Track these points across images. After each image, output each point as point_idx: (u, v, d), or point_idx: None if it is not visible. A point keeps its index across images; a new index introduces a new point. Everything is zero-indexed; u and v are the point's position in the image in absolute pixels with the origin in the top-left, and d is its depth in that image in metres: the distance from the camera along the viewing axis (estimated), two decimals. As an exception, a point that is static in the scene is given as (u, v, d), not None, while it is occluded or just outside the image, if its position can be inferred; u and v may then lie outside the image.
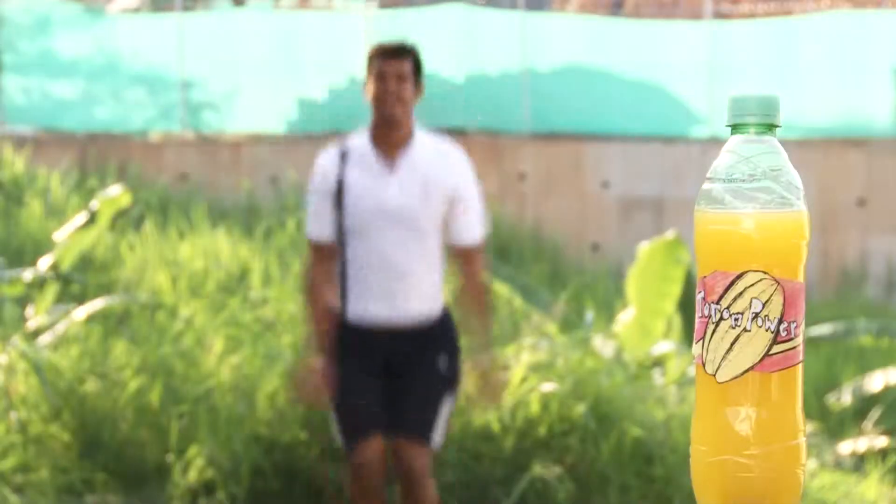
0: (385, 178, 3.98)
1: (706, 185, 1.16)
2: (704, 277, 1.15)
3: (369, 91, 3.98)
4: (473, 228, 4.06)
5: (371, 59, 3.99)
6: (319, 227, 4.05)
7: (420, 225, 4.00)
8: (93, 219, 6.22)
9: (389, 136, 3.98)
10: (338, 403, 4.06)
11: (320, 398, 4.05)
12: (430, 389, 4.05)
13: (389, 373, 4.05)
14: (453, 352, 4.10)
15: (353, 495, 4.07)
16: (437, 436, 4.05)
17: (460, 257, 4.08)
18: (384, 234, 3.99)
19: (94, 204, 6.28)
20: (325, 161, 4.06)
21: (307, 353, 4.14)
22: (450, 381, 4.07)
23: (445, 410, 4.06)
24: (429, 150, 4.02)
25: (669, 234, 6.57)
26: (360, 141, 4.04)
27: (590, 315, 6.80)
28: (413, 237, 3.99)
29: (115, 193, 6.31)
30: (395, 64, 3.94)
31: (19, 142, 11.37)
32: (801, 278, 1.14)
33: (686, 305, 6.56)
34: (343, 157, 4.02)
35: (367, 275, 4.01)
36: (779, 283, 1.12)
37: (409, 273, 4.00)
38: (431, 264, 4.05)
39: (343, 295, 4.05)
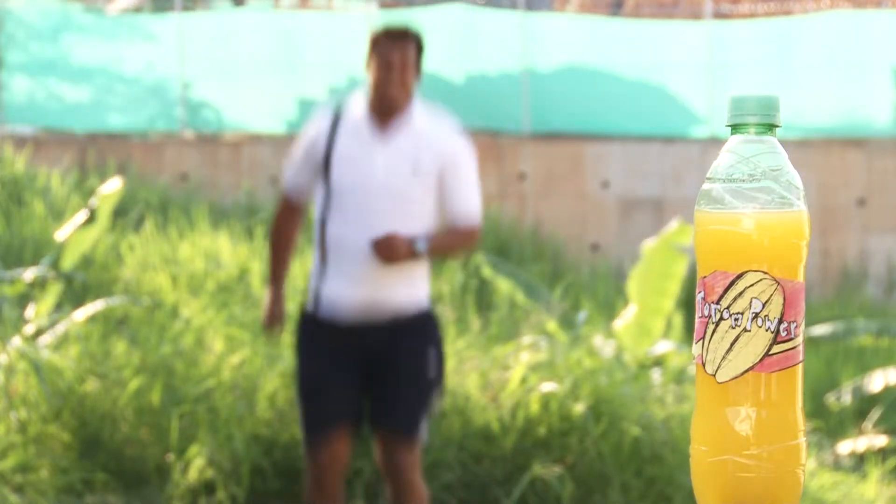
0: (375, 148, 3.93)
1: (706, 186, 1.16)
2: (704, 277, 1.15)
3: (371, 75, 3.94)
4: (468, 208, 3.96)
5: (375, 44, 3.94)
6: (295, 181, 4.08)
7: (408, 200, 3.92)
8: (93, 217, 6.20)
9: (387, 116, 3.95)
10: (304, 396, 4.01)
11: (276, 325, 4.19)
12: (420, 384, 3.97)
13: (369, 363, 3.96)
14: (440, 348, 4.04)
15: (312, 494, 4.02)
16: (424, 431, 4.01)
17: (455, 231, 3.98)
18: (369, 206, 3.91)
19: (94, 201, 6.27)
20: (319, 123, 4.03)
21: (268, 288, 4.25)
22: (438, 376, 4.02)
23: (433, 406, 4.03)
24: (423, 124, 3.97)
25: (673, 224, 6.55)
26: (355, 111, 3.99)
27: (582, 314, 6.80)
28: (400, 213, 3.91)
29: (114, 188, 6.28)
30: (400, 50, 3.91)
31: (19, 142, 11.37)
32: (801, 278, 1.14)
33: (688, 304, 6.56)
34: (335, 123, 3.99)
35: (348, 253, 3.91)
36: (779, 283, 1.12)
37: None
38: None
39: (320, 279, 3.98)
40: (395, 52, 3.90)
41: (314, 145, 4.00)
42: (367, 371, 3.97)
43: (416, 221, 3.92)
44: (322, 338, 3.99)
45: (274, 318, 4.18)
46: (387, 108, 3.93)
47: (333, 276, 3.95)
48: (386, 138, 3.93)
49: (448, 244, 3.99)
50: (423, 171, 3.92)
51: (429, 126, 3.97)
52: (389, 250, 3.82)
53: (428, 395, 4.00)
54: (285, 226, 4.16)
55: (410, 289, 3.96)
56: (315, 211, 4.06)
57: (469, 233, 3.98)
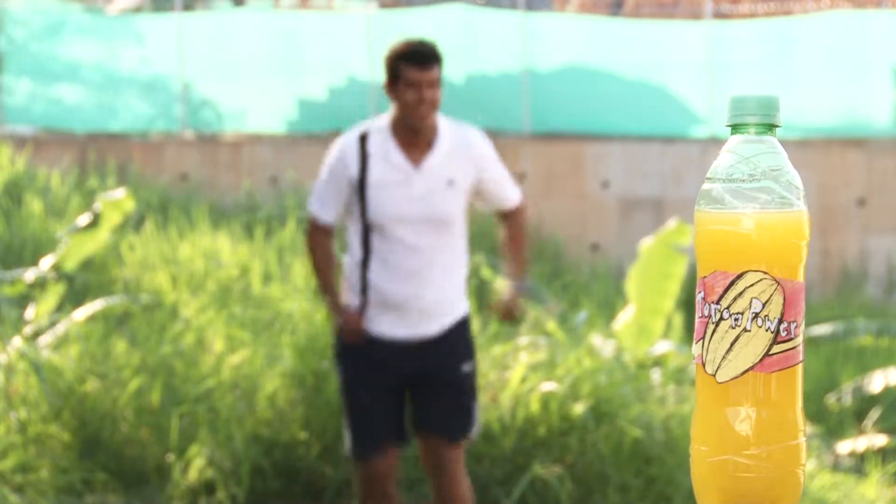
0: (410, 175, 3.90)
1: (706, 185, 1.16)
2: (704, 277, 1.15)
3: (398, 97, 3.86)
4: (509, 193, 4.13)
5: (398, 64, 3.84)
6: (324, 210, 4.01)
7: (445, 222, 3.95)
8: (96, 221, 6.21)
9: (416, 138, 3.91)
10: (352, 415, 4.04)
11: (360, 333, 3.98)
12: (462, 396, 4.06)
13: (412, 373, 4.01)
14: (474, 353, 4.13)
15: (365, 499, 4.07)
16: (474, 431, 4.12)
17: (503, 218, 4.18)
18: (408, 232, 3.92)
19: (97, 206, 6.27)
20: (347, 148, 3.94)
21: (326, 301, 4.10)
22: (474, 381, 4.11)
23: (476, 407, 4.11)
24: (451, 142, 3.95)
25: (671, 223, 6.56)
26: (381, 135, 3.92)
27: (582, 314, 6.80)
28: (437, 234, 3.95)
29: (119, 196, 6.29)
30: (428, 72, 3.83)
31: (19, 142, 11.37)
32: (801, 278, 1.14)
33: (688, 304, 6.55)
34: (364, 149, 3.92)
35: (392, 294, 3.94)
36: (779, 283, 1.12)
37: (434, 268, 3.95)
38: (456, 257, 4.02)
39: (362, 307, 3.99)
40: (425, 76, 3.83)
41: (343, 169, 3.94)
42: (409, 380, 4.03)
43: (452, 235, 3.99)
44: (367, 355, 4.01)
45: (355, 328, 4.01)
46: (417, 129, 3.89)
47: (377, 312, 3.98)
48: (419, 163, 3.91)
49: (524, 253, 4.25)
50: (458, 186, 3.96)
51: (454, 140, 3.96)
52: (511, 315, 4.17)
53: (471, 403, 4.08)
54: (321, 245, 4.07)
55: (451, 311, 4.04)
56: (351, 247, 4.01)
57: (520, 217, 4.20)
